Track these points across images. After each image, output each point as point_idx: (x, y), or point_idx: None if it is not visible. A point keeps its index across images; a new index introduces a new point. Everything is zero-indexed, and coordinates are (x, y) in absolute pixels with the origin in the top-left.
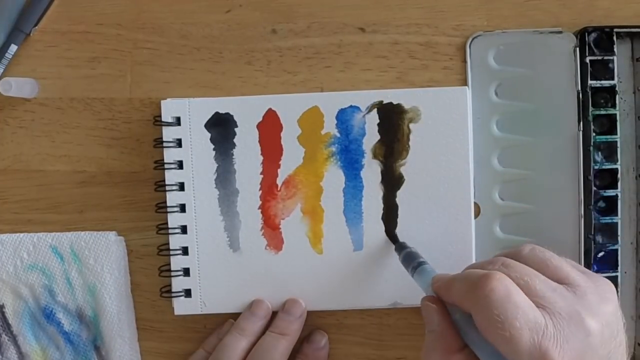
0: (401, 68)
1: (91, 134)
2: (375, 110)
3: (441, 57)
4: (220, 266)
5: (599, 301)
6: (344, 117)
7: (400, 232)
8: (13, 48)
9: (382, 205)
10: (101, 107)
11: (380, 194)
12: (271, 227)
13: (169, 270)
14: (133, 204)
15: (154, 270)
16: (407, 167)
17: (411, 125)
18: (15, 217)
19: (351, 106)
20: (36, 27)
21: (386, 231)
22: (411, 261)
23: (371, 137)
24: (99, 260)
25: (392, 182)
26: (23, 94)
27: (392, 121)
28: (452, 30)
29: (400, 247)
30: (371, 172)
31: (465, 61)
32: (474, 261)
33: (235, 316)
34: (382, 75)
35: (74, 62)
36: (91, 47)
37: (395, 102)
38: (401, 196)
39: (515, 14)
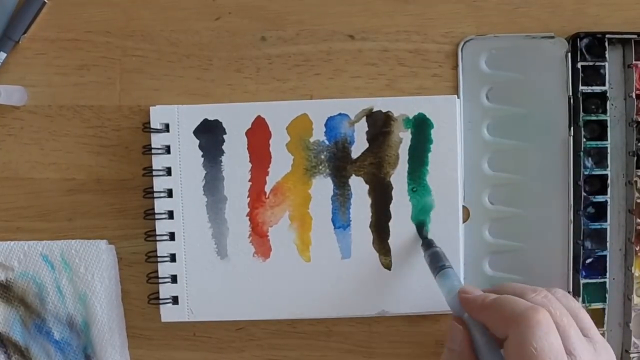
0: (390, 75)
1: (80, 141)
2: (364, 118)
3: (431, 65)
4: (208, 273)
5: None
6: (332, 124)
7: (391, 240)
8: (2, 55)
9: (370, 214)
10: (90, 115)
11: (369, 202)
12: (259, 235)
13: (157, 277)
14: (122, 211)
15: (142, 277)
16: (395, 176)
17: (400, 134)
18: (4, 225)
19: (340, 114)
20: (25, 35)
21: (374, 239)
22: (435, 262)
23: (360, 145)
24: (90, 269)
25: (380, 190)
26: (12, 101)
27: (381, 129)
28: (442, 38)
29: (427, 244)
30: (360, 180)
31: (455, 67)
32: (461, 265)
33: (222, 324)
34: (372, 82)
35: (63, 69)
36: (80, 54)
37: (384, 110)
38: (390, 204)
39: (505, 20)
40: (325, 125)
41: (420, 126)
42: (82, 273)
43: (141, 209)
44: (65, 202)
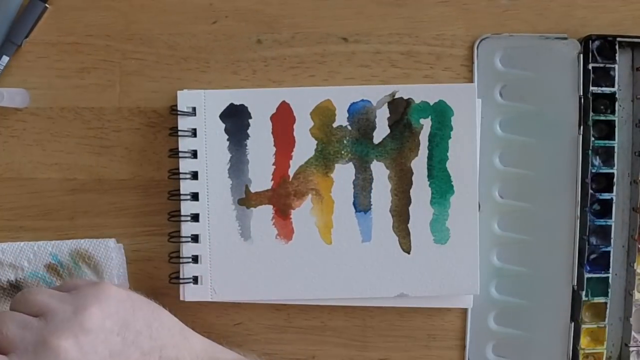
0: (383, 77)
1: (81, 142)
2: (386, 104)
3: (422, 66)
4: (231, 254)
5: (74, 316)
6: (355, 110)
7: (410, 224)
8: (4, 59)
9: (390, 198)
10: (91, 117)
11: (389, 186)
12: (282, 217)
13: (179, 257)
14: (122, 210)
15: (143, 275)
16: (416, 161)
17: (421, 120)
18: (8, 224)
19: (363, 100)
20: (27, 39)
21: (394, 223)
22: None
23: (381, 130)
24: (99, 268)
25: (401, 175)
26: (15, 104)
27: (403, 116)
28: (433, 40)
29: None
30: (381, 165)
31: (446, 69)
32: (477, 253)
33: (220, 320)
34: (365, 84)
35: (64, 72)
36: (81, 57)
37: (405, 97)
38: (410, 189)
39: (493, 23)
40: (348, 111)
41: (441, 113)
42: (91, 272)
43: (140, 208)
44: (67, 202)
